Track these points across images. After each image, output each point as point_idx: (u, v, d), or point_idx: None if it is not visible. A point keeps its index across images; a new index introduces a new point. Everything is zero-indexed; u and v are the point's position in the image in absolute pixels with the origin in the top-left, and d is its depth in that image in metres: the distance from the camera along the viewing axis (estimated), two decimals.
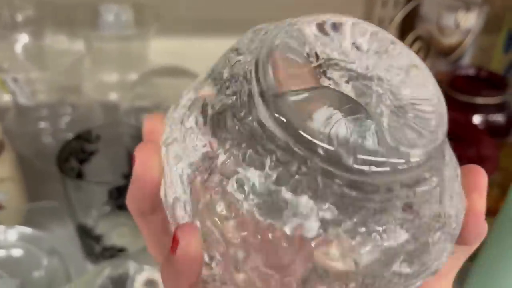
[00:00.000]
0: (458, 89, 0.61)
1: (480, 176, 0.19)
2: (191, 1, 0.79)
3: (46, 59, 0.63)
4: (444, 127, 0.17)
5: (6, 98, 0.60)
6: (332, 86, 0.17)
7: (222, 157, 0.16)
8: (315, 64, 0.17)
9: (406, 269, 0.16)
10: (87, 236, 0.47)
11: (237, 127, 0.16)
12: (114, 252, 0.47)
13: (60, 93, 0.62)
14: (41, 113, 0.60)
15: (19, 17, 0.69)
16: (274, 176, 0.15)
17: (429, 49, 0.68)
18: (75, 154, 0.48)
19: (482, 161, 0.48)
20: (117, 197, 0.44)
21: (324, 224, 0.15)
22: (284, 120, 0.15)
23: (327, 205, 0.15)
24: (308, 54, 0.17)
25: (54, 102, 0.62)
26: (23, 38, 0.62)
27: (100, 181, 0.45)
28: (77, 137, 0.48)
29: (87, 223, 0.47)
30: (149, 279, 0.38)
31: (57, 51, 0.63)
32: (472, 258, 0.42)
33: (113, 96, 0.68)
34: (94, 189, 0.45)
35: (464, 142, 0.51)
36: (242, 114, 0.16)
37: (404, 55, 0.18)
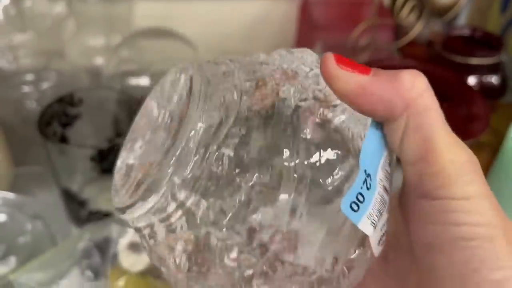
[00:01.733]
0: (453, 50, 0.60)
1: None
2: None
3: (26, 22, 0.61)
4: None
5: None
6: None
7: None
8: None
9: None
10: (72, 201, 0.47)
11: None
12: (100, 217, 0.47)
13: (43, 58, 0.61)
14: (24, 78, 0.58)
15: None
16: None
17: (423, 9, 0.66)
18: (58, 118, 0.47)
19: (473, 120, 0.47)
20: (102, 160, 0.43)
21: None
22: None
23: None
24: None
25: (37, 67, 0.60)
26: (3, 2, 0.60)
27: (83, 144, 0.44)
28: (59, 100, 0.47)
29: (71, 188, 0.47)
30: (132, 242, 0.38)
31: (38, 14, 0.61)
32: None
33: (98, 61, 0.66)
34: (77, 153, 0.44)
35: (456, 101, 0.50)
36: None
37: None
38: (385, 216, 0.18)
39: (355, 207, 0.17)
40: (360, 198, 0.17)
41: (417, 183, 0.17)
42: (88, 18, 0.66)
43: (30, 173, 0.49)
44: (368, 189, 0.17)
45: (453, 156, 0.16)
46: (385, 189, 0.18)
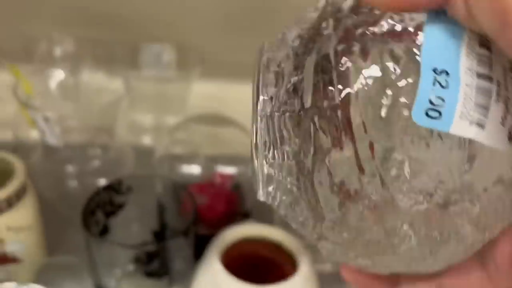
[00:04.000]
0: None
1: None
2: (237, 44, 0.75)
3: (81, 97, 0.60)
4: None
5: (34, 135, 0.56)
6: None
7: None
8: None
9: None
10: None
11: None
12: None
13: (91, 134, 0.58)
14: (70, 154, 0.56)
15: (58, 52, 0.66)
16: None
17: None
18: (103, 206, 0.43)
19: None
20: (145, 263, 0.38)
21: None
22: None
23: None
24: None
25: (85, 143, 0.57)
26: (59, 74, 0.59)
27: (126, 242, 0.40)
28: (106, 188, 0.43)
29: (107, 285, 0.42)
30: None
31: (93, 89, 0.60)
32: None
33: (147, 140, 0.64)
34: (120, 251, 0.39)
35: None
36: None
37: None
38: (499, 106, 0.15)
39: (434, 114, 0.14)
40: (438, 100, 0.14)
41: None
42: (142, 95, 0.65)
43: (64, 263, 0.44)
44: (444, 87, 0.15)
45: None
46: (481, 76, 0.15)
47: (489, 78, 0.15)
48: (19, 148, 0.61)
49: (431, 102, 0.15)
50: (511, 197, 0.16)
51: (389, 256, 0.17)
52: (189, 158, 0.56)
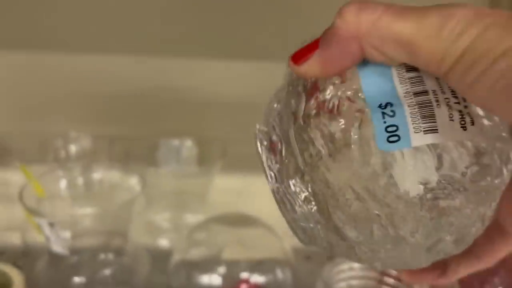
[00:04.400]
0: None
1: None
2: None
3: (94, 198, 0.56)
4: None
5: (42, 240, 0.52)
6: None
7: None
8: None
9: None
10: None
11: None
12: None
13: (104, 237, 0.53)
14: (79, 261, 0.50)
15: (73, 150, 0.64)
16: None
17: None
18: None
19: None
20: None
21: None
22: None
23: None
24: None
25: (96, 248, 0.52)
26: (73, 174, 0.56)
27: None
28: None
29: None
30: None
31: (107, 189, 0.56)
32: None
33: (164, 242, 0.58)
34: None
35: None
36: None
37: None
38: (442, 109, 0.17)
39: (394, 138, 0.17)
40: (391, 128, 0.17)
41: None
42: (159, 193, 0.60)
43: None
44: (393, 116, 0.18)
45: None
46: (417, 94, 0.18)
47: (424, 92, 0.18)
48: (28, 253, 0.57)
49: (387, 131, 0.17)
50: (489, 173, 0.18)
51: (396, 259, 0.20)
52: (210, 264, 0.50)
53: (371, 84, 0.18)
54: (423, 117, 0.17)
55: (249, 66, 0.65)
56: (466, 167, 0.18)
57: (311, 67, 0.18)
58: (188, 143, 0.64)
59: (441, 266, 0.24)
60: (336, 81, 0.19)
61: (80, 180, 0.56)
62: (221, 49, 0.64)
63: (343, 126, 0.18)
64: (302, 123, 0.19)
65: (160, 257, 0.56)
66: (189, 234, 0.50)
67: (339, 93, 0.19)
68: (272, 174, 0.21)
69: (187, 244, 0.51)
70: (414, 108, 0.17)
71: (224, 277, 0.48)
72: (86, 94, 0.63)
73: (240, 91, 0.67)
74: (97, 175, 0.56)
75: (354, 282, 0.44)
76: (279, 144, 0.20)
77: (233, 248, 0.53)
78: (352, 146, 0.18)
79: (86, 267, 0.50)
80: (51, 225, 0.43)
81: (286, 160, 0.20)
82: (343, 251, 0.21)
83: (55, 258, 0.49)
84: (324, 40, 0.18)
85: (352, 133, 0.18)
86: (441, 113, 0.17)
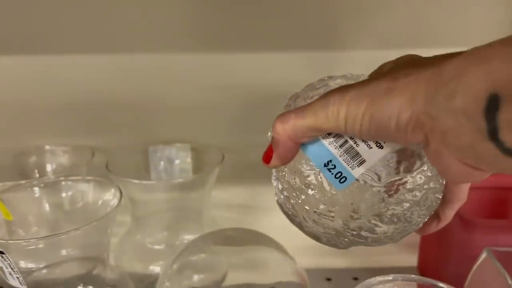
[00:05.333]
0: None
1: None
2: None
3: (70, 218, 0.47)
4: None
5: None
6: None
7: None
8: None
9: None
10: None
11: None
12: None
13: (79, 264, 0.44)
14: None
15: (49, 165, 0.55)
16: None
17: None
18: None
19: None
20: None
21: None
22: None
23: None
24: None
25: (69, 278, 0.43)
26: (46, 190, 0.47)
27: None
28: None
29: None
30: None
31: (86, 207, 0.47)
32: None
33: (156, 269, 0.49)
34: None
35: None
36: None
37: None
38: (360, 145, 0.27)
39: (343, 180, 0.27)
40: (338, 174, 0.27)
41: None
42: (148, 209, 0.51)
43: None
44: (333, 167, 0.27)
45: None
46: (341, 145, 0.27)
47: (345, 142, 0.27)
48: None
49: (336, 177, 0.27)
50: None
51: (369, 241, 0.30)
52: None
53: (313, 154, 0.27)
54: (352, 157, 0.27)
55: (248, 63, 0.56)
56: (397, 168, 0.27)
57: (274, 163, 0.28)
58: (181, 150, 0.55)
59: (435, 217, 0.32)
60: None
61: (54, 199, 0.47)
62: (215, 48, 0.55)
63: (313, 179, 0.28)
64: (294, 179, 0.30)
65: (152, 286, 0.46)
66: (180, 257, 0.41)
67: (295, 165, 0.29)
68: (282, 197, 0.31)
69: (178, 270, 0.41)
70: (344, 155, 0.27)
71: None
72: (62, 102, 0.55)
73: (238, 94, 0.58)
74: (73, 192, 0.47)
75: None
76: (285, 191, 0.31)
77: (237, 272, 0.43)
78: (318, 188, 0.28)
79: None
80: (1, 254, 0.34)
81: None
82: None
83: None
84: (274, 146, 0.27)
85: (315, 181, 0.28)
86: (361, 148, 0.27)
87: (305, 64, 0.57)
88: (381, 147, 0.26)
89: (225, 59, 0.55)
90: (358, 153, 0.26)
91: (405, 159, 0.27)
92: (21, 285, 0.36)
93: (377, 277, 0.35)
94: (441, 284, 0.34)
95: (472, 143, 0.20)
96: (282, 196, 0.31)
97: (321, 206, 0.28)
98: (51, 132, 0.56)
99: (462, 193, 0.30)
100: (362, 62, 0.57)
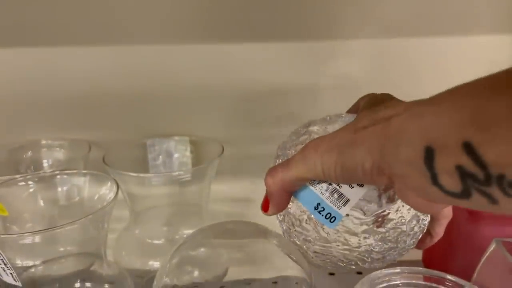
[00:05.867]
0: None
1: None
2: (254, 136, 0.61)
3: (67, 213, 0.46)
4: None
5: None
6: None
7: None
8: None
9: None
10: None
11: None
12: None
13: (75, 260, 0.43)
14: None
15: (45, 160, 0.54)
16: None
17: None
18: None
19: None
20: None
21: None
22: None
23: None
24: None
25: (65, 275, 0.42)
26: (42, 185, 0.46)
27: None
28: None
29: None
30: None
31: (82, 201, 0.46)
32: None
33: (156, 265, 0.48)
34: None
35: None
36: None
37: None
38: (343, 187, 0.31)
39: (333, 219, 0.31)
40: (327, 215, 0.31)
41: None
42: (147, 204, 0.50)
43: None
44: (323, 209, 0.31)
45: None
46: (327, 189, 0.31)
47: (329, 185, 0.31)
48: None
49: (326, 218, 0.31)
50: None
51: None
52: (204, 284, 0.39)
53: (303, 200, 0.31)
54: (337, 198, 0.31)
55: (247, 54, 0.55)
56: (379, 202, 0.32)
57: (272, 211, 0.32)
58: (180, 143, 0.53)
59: (428, 234, 0.35)
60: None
61: (49, 194, 0.46)
62: (214, 39, 0.54)
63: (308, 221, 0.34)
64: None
65: (152, 282, 0.45)
66: (179, 251, 0.39)
67: (290, 210, 0.35)
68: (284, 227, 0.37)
69: (177, 265, 0.40)
70: (330, 198, 0.31)
71: None
72: (58, 95, 0.54)
73: (238, 85, 0.56)
74: (69, 186, 0.46)
75: None
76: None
77: (239, 266, 0.42)
78: (312, 229, 0.34)
79: None
80: None
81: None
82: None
83: None
84: (270, 197, 0.32)
85: (309, 223, 0.34)
86: (344, 189, 0.31)
87: (306, 54, 0.56)
88: (361, 185, 0.30)
89: (224, 51, 0.54)
90: (342, 194, 0.31)
91: (385, 191, 0.31)
92: (15, 281, 0.35)
93: (383, 270, 0.34)
94: (449, 276, 0.32)
95: (421, 186, 0.23)
96: (286, 235, 0.37)
97: (318, 244, 0.34)
98: (47, 127, 0.55)
99: (447, 211, 0.34)
100: (362, 51, 0.56)
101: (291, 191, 0.31)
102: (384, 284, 0.33)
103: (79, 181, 0.44)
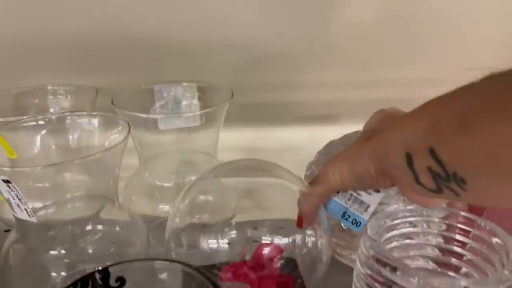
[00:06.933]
0: None
1: None
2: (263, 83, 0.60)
3: (76, 153, 0.45)
4: None
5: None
6: None
7: None
8: None
9: None
10: None
11: None
12: None
13: (87, 202, 0.43)
14: (58, 232, 0.40)
15: (51, 105, 0.53)
16: None
17: None
18: None
19: None
20: None
21: None
22: None
23: None
24: None
25: (78, 216, 0.42)
26: (50, 127, 0.45)
27: None
28: (80, 283, 0.27)
29: None
30: None
31: (92, 145, 0.45)
32: None
33: (166, 209, 0.48)
34: None
35: None
36: None
37: None
38: (363, 195, 0.36)
39: (359, 224, 0.36)
40: (353, 221, 0.36)
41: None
42: (156, 151, 0.50)
43: None
44: (349, 217, 0.36)
45: None
46: (349, 198, 0.36)
47: (351, 195, 0.36)
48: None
49: (353, 223, 0.36)
50: None
51: None
52: (215, 224, 0.39)
53: (332, 210, 0.37)
54: (359, 205, 0.36)
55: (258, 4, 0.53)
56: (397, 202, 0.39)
57: (305, 226, 0.37)
58: (187, 90, 0.53)
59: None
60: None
61: (59, 136, 0.46)
62: None
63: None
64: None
65: (162, 227, 0.46)
66: (190, 192, 0.40)
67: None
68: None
69: (188, 206, 0.40)
70: (353, 205, 0.36)
71: (236, 242, 0.37)
72: (64, 39, 0.53)
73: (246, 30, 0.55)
74: (79, 128, 0.45)
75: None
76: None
77: (248, 208, 0.42)
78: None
79: (66, 240, 0.40)
80: (8, 183, 0.33)
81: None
82: None
83: (27, 229, 0.39)
84: (303, 215, 0.37)
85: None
86: (364, 196, 0.36)
87: (316, 1, 0.54)
88: (378, 191, 0.35)
89: None
90: (362, 201, 0.35)
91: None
92: (30, 217, 0.35)
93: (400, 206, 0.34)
94: (462, 213, 0.33)
95: (411, 185, 0.27)
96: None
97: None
98: (53, 72, 0.54)
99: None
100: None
101: (320, 205, 0.37)
102: (399, 221, 0.33)
103: (89, 123, 0.43)
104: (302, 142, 0.58)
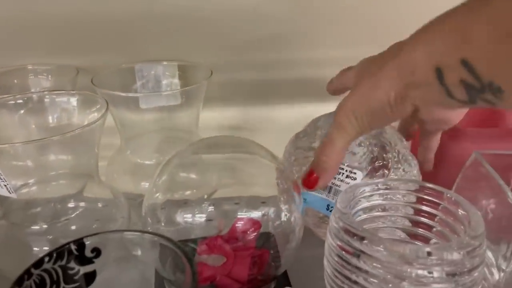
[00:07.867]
0: None
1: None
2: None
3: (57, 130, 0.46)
4: None
5: None
6: None
7: None
8: None
9: None
10: None
11: None
12: None
13: (68, 179, 0.44)
14: (39, 209, 0.41)
15: (31, 85, 0.53)
16: None
17: None
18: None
19: None
20: None
21: None
22: None
23: None
24: None
25: (59, 194, 0.43)
26: (29, 106, 0.46)
27: None
28: (55, 254, 0.27)
29: None
30: None
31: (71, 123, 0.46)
32: None
33: (147, 186, 0.48)
34: None
35: None
36: None
37: None
38: (341, 186, 0.38)
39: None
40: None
41: None
42: (137, 130, 0.50)
43: None
44: (332, 207, 0.38)
45: None
46: (328, 191, 0.38)
47: (330, 188, 0.39)
48: None
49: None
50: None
51: None
52: (193, 200, 0.40)
53: (315, 205, 0.38)
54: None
55: None
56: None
57: (320, 185, 0.35)
58: (168, 69, 0.53)
59: (424, 163, 0.44)
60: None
61: (38, 116, 0.46)
62: None
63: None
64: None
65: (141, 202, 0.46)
66: (168, 163, 0.40)
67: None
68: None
69: (166, 177, 0.41)
70: (334, 197, 0.38)
71: (213, 218, 0.38)
72: (44, 18, 0.52)
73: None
74: (58, 108, 0.46)
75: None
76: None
77: (228, 184, 0.43)
78: None
79: (49, 217, 0.41)
80: None
81: None
82: None
83: (10, 206, 0.40)
84: (324, 172, 0.35)
85: None
86: (343, 185, 0.38)
87: None
88: (355, 179, 0.38)
89: None
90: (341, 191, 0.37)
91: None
92: (10, 193, 0.36)
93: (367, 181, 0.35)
94: (428, 184, 0.34)
95: (441, 101, 0.27)
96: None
97: None
98: (33, 52, 0.54)
99: (436, 141, 0.42)
100: None
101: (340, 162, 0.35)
102: (369, 193, 0.34)
103: (68, 102, 0.44)
104: (287, 121, 0.59)
